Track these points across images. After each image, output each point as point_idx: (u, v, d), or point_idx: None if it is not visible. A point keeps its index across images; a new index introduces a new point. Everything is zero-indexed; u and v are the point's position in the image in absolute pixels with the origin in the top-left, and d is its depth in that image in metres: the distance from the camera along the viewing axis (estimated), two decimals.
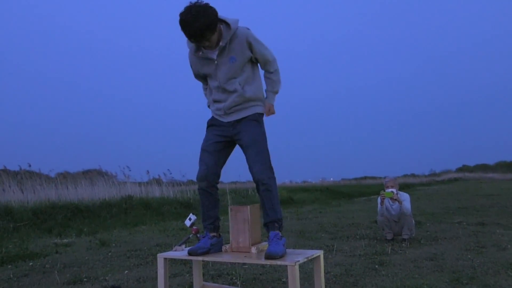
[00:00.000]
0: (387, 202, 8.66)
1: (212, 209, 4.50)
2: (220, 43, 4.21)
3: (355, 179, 69.41)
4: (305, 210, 19.12)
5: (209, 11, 3.94)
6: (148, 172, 23.05)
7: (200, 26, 3.89)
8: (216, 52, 4.26)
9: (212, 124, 4.54)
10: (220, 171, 4.47)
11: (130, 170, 22.23)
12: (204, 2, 3.97)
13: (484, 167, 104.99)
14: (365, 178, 72.46)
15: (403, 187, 44.45)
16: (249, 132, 4.33)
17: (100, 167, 24.82)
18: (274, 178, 4.28)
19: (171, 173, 23.84)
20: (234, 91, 4.33)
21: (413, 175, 79.11)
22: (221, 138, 4.46)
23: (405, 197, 8.64)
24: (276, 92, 4.56)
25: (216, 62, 4.30)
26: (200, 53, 4.33)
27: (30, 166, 20.03)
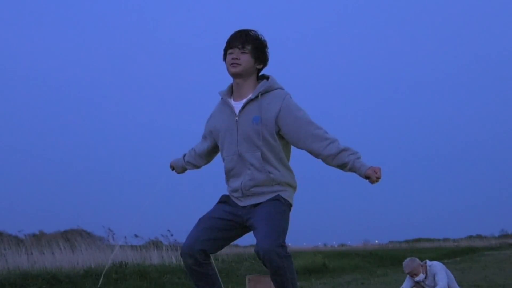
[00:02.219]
0: (418, 279, 8.28)
1: None
2: (250, 95, 3.89)
3: (407, 241, 68.43)
4: (343, 281, 17.04)
5: (267, 47, 4.05)
6: (136, 235, 20.59)
7: (253, 34, 3.95)
8: (241, 105, 3.91)
9: (225, 201, 4.06)
10: (210, 251, 3.87)
11: (114, 233, 19.97)
12: None
13: None
14: (419, 240, 71.11)
15: (465, 253, 42.89)
16: (265, 209, 3.78)
17: (80, 226, 23.39)
18: (286, 257, 3.59)
19: (172, 235, 21.50)
20: (255, 163, 3.84)
21: (479, 237, 77.63)
22: (229, 216, 3.94)
23: (437, 269, 8.20)
24: (358, 152, 3.76)
25: (237, 118, 3.91)
26: (229, 99, 4.01)
27: None
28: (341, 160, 3.72)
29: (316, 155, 3.79)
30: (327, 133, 3.80)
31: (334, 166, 3.81)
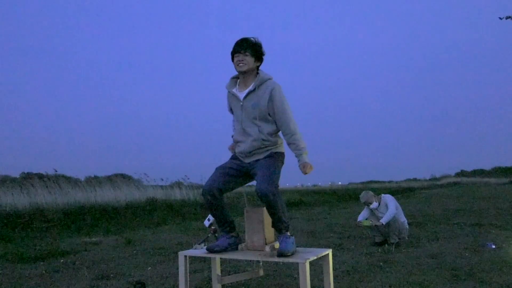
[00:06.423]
0: (373, 207, 8.49)
1: (223, 216, 4.43)
2: (250, 87, 4.32)
3: (362, 183, 68.65)
4: (315, 211, 19.06)
5: (263, 47, 4.42)
6: (162, 179, 22.97)
7: (251, 40, 4.31)
8: (244, 95, 4.34)
9: (235, 157, 4.52)
10: (224, 190, 4.32)
11: (148, 176, 22.43)
12: None
13: (481, 172, 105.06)
14: (371, 182, 71.82)
15: (405, 191, 44.08)
16: (263, 162, 4.28)
17: (124, 171, 25.18)
18: (277, 194, 4.06)
19: (188, 178, 23.46)
20: (253, 135, 4.32)
21: (415, 180, 79.10)
22: (238, 167, 4.41)
23: (389, 199, 8.46)
24: (304, 149, 4.23)
25: (241, 103, 4.36)
26: (234, 90, 4.44)
27: (56, 171, 20.23)
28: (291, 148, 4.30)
29: (284, 135, 4.32)
30: (294, 125, 4.28)
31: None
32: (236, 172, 4.38)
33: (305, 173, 4.15)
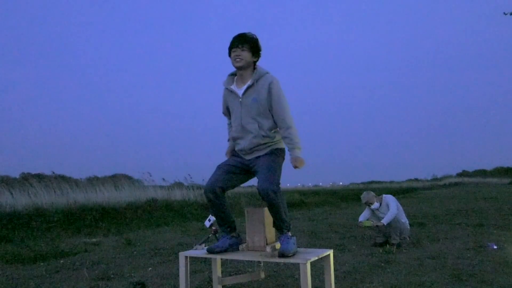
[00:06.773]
0: (374, 207, 8.48)
1: (225, 216, 4.42)
2: (248, 82, 4.33)
3: (363, 183, 68.75)
4: (316, 212, 19.13)
5: (259, 42, 4.39)
6: (164, 179, 22.90)
7: (248, 35, 4.31)
8: (243, 91, 4.34)
9: (236, 155, 4.55)
10: (226, 188, 4.33)
11: (151, 175, 21.98)
12: None
13: (482, 172, 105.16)
14: (372, 182, 71.91)
15: (406, 191, 44.10)
16: (264, 159, 4.29)
17: (125, 172, 24.61)
18: (279, 193, 4.06)
19: (191, 178, 23.37)
20: (253, 132, 4.32)
21: (416, 180, 79.23)
22: (238, 164, 4.43)
23: (390, 200, 8.43)
24: (297, 144, 4.23)
25: (240, 99, 4.36)
26: (232, 86, 4.44)
27: (54, 173, 20.39)
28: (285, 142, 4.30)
29: (279, 128, 4.33)
30: (290, 119, 4.26)
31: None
32: (237, 169, 4.41)
33: (296, 167, 4.16)
